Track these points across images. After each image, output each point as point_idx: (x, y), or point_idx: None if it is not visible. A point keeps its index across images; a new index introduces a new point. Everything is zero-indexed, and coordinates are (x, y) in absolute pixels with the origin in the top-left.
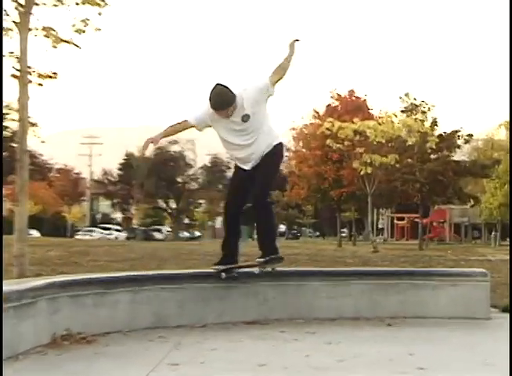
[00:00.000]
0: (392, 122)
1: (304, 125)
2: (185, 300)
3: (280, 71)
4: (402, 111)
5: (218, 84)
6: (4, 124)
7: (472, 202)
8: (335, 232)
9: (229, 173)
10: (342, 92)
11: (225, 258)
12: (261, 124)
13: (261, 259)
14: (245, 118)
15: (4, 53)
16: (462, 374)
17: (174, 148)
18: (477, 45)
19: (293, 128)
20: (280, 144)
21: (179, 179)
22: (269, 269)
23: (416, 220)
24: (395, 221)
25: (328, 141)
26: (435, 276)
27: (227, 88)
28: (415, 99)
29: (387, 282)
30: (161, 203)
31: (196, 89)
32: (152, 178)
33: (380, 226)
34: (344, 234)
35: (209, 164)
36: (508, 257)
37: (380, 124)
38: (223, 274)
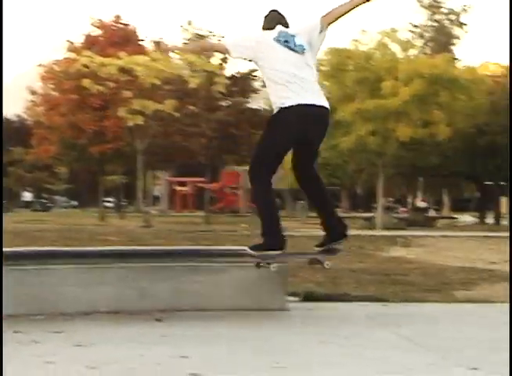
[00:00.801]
0: (170, 58)
1: (56, 61)
2: None
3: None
4: (184, 44)
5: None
6: None
7: None
8: (97, 201)
9: None
10: (105, 17)
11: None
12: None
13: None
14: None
15: None
16: None
17: None
18: None
19: (41, 65)
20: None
21: None
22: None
23: (202, 185)
24: (176, 187)
25: (85, 82)
26: (219, 257)
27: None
28: (200, 28)
29: (158, 265)
30: None
31: None
32: None
33: (156, 194)
34: (109, 204)
35: None
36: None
37: (153, 60)
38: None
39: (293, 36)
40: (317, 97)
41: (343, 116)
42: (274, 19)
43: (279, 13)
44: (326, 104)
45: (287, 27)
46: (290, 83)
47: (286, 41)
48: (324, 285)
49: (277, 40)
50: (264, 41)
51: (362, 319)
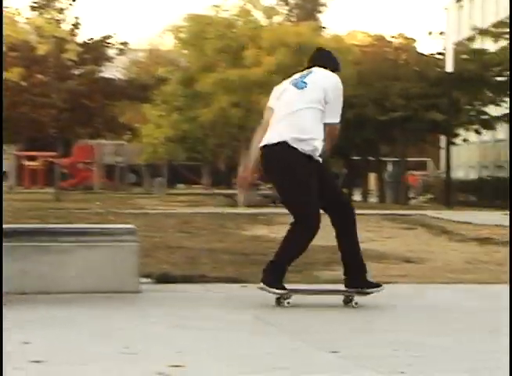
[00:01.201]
0: (15, 22)
1: None
2: None
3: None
4: (32, 8)
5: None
6: None
7: (130, 135)
8: None
9: None
10: None
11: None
12: None
13: None
14: None
15: None
16: (87, 365)
17: None
18: None
19: None
20: None
21: None
22: None
23: (53, 160)
24: (25, 162)
25: None
26: (66, 236)
27: None
28: None
29: (3, 245)
30: None
31: None
32: None
33: (3, 169)
34: None
35: None
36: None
37: None
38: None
39: (309, 73)
40: (274, 134)
41: (203, 87)
42: (311, 60)
43: (321, 53)
44: (280, 138)
45: (326, 66)
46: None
47: (295, 80)
48: (180, 266)
49: (291, 81)
50: (282, 87)
51: (219, 301)
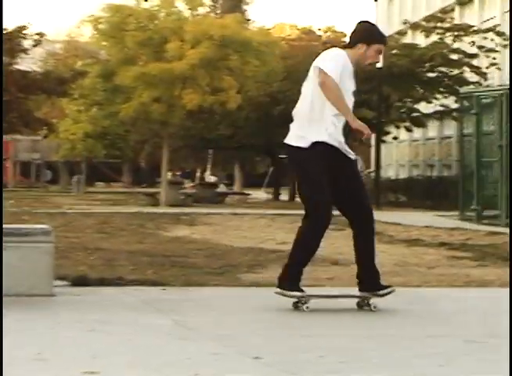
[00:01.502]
0: None
1: None
2: None
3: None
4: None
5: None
6: None
7: (47, 131)
8: None
9: None
10: None
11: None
12: None
13: None
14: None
15: None
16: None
17: None
18: None
19: None
20: None
21: None
22: None
23: None
24: None
25: None
26: None
27: None
28: None
29: None
30: None
31: None
32: None
33: None
34: None
35: None
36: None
37: None
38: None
39: None
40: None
41: (123, 81)
42: None
43: (353, 29)
44: (291, 141)
45: (350, 43)
46: None
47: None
48: (98, 268)
49: None
50: None
51: (136, 305)
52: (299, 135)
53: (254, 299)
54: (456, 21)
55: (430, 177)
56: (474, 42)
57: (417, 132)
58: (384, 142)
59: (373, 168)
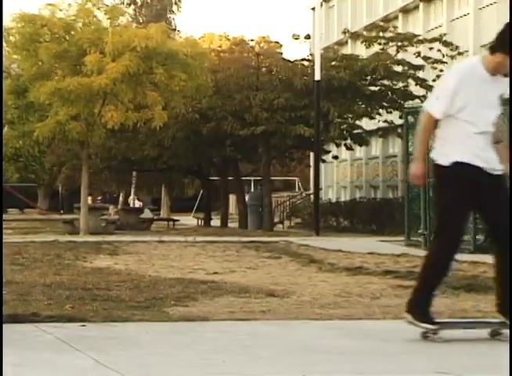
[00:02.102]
0: None
1: None
2: None
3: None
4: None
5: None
6: None
7: None
8: None
9: None
10: None
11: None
12: None
13: None
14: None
15: None
16: None
17: None
18: None
19: None
20: None
21: None
22: None
23: None
24: None
25: None
26: None
27: None
28: None
29: None
30: None
31: None
32: None
33: None
34: None
35: None
36: None
37: None
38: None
39: None
40: None
41: (38, 97)
42: None
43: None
44: (436, 157)
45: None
46: None
47: None
48: (9, 304)
49: None
50: None
51: (51, 343)
52: (442, 153)
53: (184, 335)
54: (400, 30)
55: (374, 199)
56: (419, 53)
57: (359, 151)
58: (323, 161)
59: (312, 189)
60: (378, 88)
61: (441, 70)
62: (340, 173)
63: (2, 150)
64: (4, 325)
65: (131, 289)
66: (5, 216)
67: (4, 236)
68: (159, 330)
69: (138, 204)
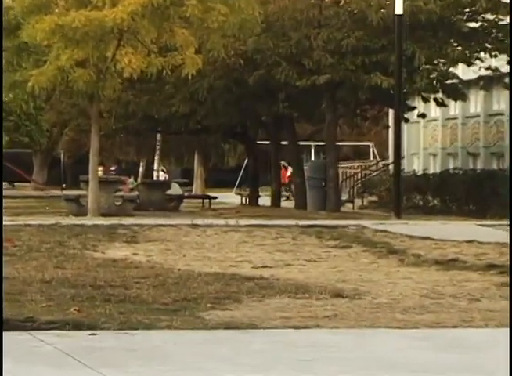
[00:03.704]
0: None
1: None
2: None
3: None
4: None
5: None
6: None
7: None
8: None
9: None
10: None
11: None
12: None
13: None
14: None
15: None
16: None
17: None
18: None
19: None
20: None
21: None
22: None
23: None
24: None
25: None
26: None
27: None
28: None
29: None
30: None
31: None
32: None
33: None
34: None
35: None
36: None
37: None
38: None
39: None
40: None
41: (33, 36)
42: None
43: None
44: None
45: None
46: None
47: None
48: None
49: None
50: None
51: (52, 356)
52: None
53: (225, 346)
54: None
55: (473, 171)
56: None
57: (454, 108)
58: (406, 121)
59: (391, 158)
60: (479, 24)
61: None
62: (428, 137)
63: (2, 143)
64: None
65: (156, 287)
66: None
67: None
68: (191, 339)
69: (163, 176)
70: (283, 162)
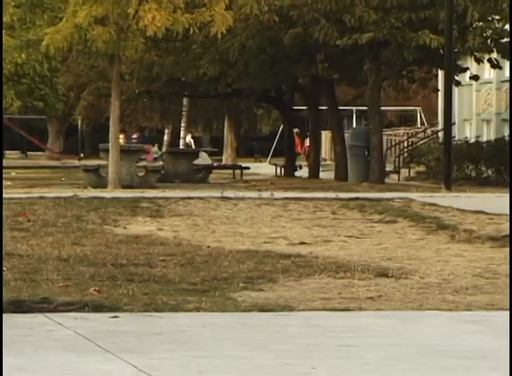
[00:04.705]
0: None
1: None
2: None
3: None
4: None
5: None
6: None
7: None
8: None
9: None
10: None
11: None
12: None
13: None
14: None
15: None
16: None
17: None
18: None
19: None
20: None
21: None
22: None
23: None
24: None
25: None
26: None
27: None
28: None
29: None
30: None
31: None
32: None
33: None
34: None
35: None
36: None
37: None
38: None
39: None
40: None
41: None
42: None
43: None
44: None
45: None
46: None
47: None
48: (10, 285)
49: None
50: None
51: (70, 340)
52: None
53: (258, 330)
54: None
55: None
56: None
57: (510, 69)
58: (458, 84)
59: (440, 124)
60: None
61: None
62: (481, 101)
63: (2, 141)
64: (3, 315)
65: (183, 266)
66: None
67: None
68: (222, 323)
69: (189, 142)
70: (296, 129)
